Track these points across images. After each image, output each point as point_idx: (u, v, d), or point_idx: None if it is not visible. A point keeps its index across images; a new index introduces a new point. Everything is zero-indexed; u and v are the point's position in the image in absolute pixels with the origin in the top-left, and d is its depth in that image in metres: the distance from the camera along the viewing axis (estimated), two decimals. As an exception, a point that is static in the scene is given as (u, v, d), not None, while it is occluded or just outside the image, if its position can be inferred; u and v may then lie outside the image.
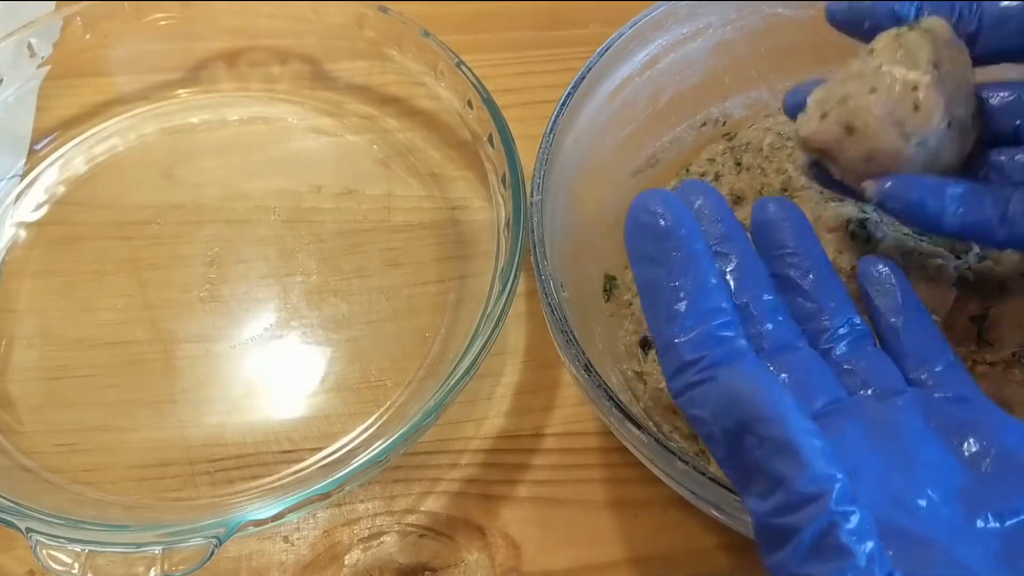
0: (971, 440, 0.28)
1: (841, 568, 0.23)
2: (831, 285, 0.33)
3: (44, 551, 0.33)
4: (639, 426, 0.32)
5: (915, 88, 0.32)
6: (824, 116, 0.33)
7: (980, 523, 0.26)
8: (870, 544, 0.23)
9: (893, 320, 0.32)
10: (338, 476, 0.35)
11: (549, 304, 0.35)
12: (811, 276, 0.32)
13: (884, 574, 0.23)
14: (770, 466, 0.24)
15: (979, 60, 0.34)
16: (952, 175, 0.33)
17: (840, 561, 0.23)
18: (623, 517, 0.40)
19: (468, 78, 0.46)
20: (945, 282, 0.37)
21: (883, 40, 0.34)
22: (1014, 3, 0.33)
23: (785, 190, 0.41)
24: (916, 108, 0.32)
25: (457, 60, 0.47)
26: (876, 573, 0.23)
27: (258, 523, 0.35)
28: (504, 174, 0.43)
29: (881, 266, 0.33)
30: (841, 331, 0.32)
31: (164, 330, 0.45)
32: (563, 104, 0.40)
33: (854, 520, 0.23)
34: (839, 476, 0.24)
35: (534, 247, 0.37)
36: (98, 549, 0.33)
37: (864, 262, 0.34)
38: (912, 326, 0.32)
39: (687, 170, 0.45)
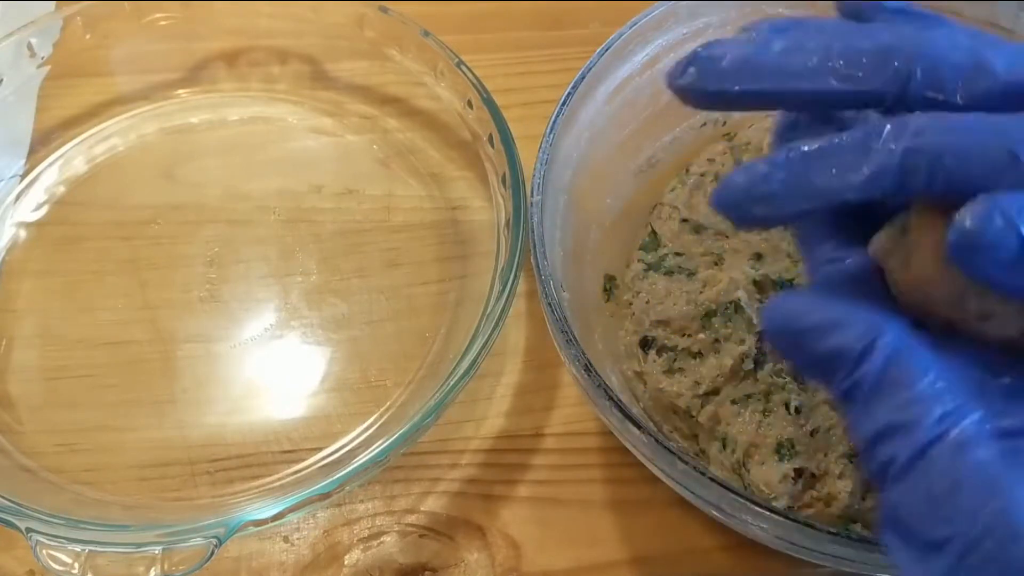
0: None
1: (900, 400, 0.23)
2: None
3: (44, 551, 0.33)
4: (639, 426, 0.32)
5: None
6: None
7: None
8: (929, 369, 0.23)
9: None
10: (338, 476, 0.35)
11: (549, 304, 0.35)
12: None
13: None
14: (825, 348, 0.25)
15: None
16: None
17: (901, 393, 0.23)
18: (623, 517, 0.40)
19: (468, 78, 0.46)
20: None
21: None
22: None
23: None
24: None
25: (457, 60, 0.47)
26: (940, 400, 0.23)
27: (258, 523, 0.35)
28: (504, 174, 0.43)
29: None
30: None
31: (164, 330, 0.45)
32: (563, 104, 0.40)
33: (915, 354, 0.23)
34: (886, 323, 0.24)
35: (534, 247, 0.37)
36: (98, 549, 0.33)
37: None
38: None
39: (687, 170, 0.45)
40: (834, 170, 0.25)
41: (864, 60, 0.25)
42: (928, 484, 0.22)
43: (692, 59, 0.27)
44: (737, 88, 0.26)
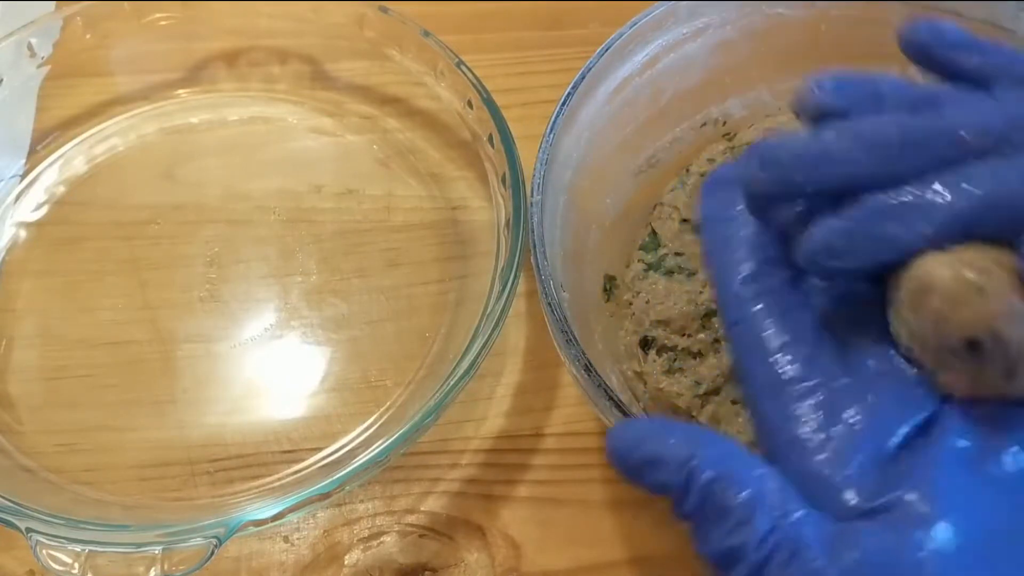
0: None
1: (726, 528, 0.24)
2: None
3: (44, 551, 0.33)
4: (639, 426, 0.32)
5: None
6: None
7: None
8: (744, 491, 0.24)
9: None
10: (338, 476, 0.35)
11: (549, 304, 0.35)
12: None
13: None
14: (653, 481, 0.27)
15: None
16: None
17: (723, 523, 0.24)
18: (623, 517, 0.40)
19: (468, 78, 0.46)
20: None
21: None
22: None
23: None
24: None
25: (457, 60, 0.47)
26: (759, 521, 0.24)
27: (258, 523, 0.35)
28: (504, 174, 0.43)
29: None
30: None
31: (164, 330, 0.45)
32: (563, 104, 0.40)
33: (729, 479, 0.25)
34: (699, 449, 0.25)
35: (534, 247, 0.37)
36: (98, 549, 0.33)
37: None
38: None
39: (687, 170, 0.45)
40: (906, 222, 0.25)
41: (918, 147, 0.26)
42: None
43: (755, 152, 0.28)
44: (808, 180, 0.27)
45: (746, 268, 0.29)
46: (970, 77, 0.29)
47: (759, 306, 0.28)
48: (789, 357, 0.27)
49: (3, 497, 0.36)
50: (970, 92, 0.28)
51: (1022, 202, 0.25)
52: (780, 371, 0.27)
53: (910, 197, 0.26)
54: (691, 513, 0.25)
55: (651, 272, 0.42)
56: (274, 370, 0.44)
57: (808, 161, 0.27)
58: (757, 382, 0.27)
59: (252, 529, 0.35)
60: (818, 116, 0.28)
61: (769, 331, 0.28)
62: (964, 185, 0.25)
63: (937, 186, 0.25)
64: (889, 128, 0.26)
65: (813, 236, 0.26)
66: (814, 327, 0.28)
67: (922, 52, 0.31)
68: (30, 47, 0.50)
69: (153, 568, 0.33)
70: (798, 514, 0.24)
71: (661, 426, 0.28)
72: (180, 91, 0.54)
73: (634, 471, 0.27)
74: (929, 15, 0.32)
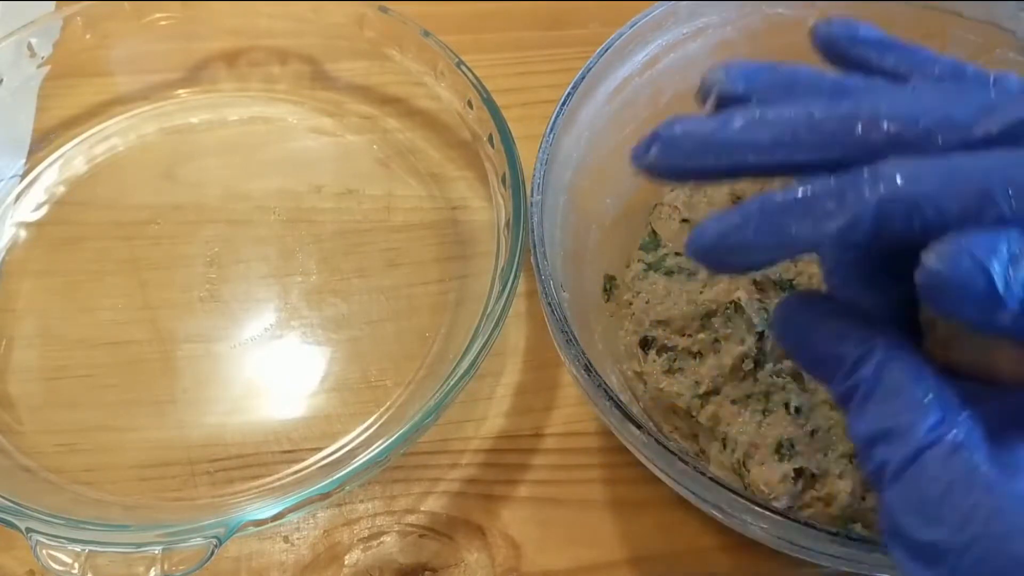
0: None
1: (895, 406, 0.24)
2: None
3: (44, 551, 0.33)
4: (639, 426, 0.32)
5: None
6: None
7: None
8: (923, 380, 0.24)
9: None
10: (338, 476, 0.35)
11: (549, 304, 0.35)
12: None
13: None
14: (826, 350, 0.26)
15: None
16: None
17: (895, 400, 0.24)
18: (623, 517, 0.40)
19: (468, 78, 0.46)
20: None
21: None
22: None
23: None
24: None
25: (457, 60, 0.47)
26: (933, 408, 0.23)
27: (258, 523, 0.35)
28: (504, 174, 0.43)
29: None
30: None
31: (164, 330, 0.45)
32: (563, 104, 0.40)
33: (911, 364, 0.24)
34: (884, 331, 0.25)
35: (534, 247, 0.37)
36: (98, 549, 0.33)
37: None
38: None
39: (687, 170, 0.45)
40: (809, 220, 0.24)
41: (826, 133, 0.25)
42: (922, 488, 0.23)
43: (653, 138, 0.27)
44: (697, 165, 0.26)
45: None
46: (885, 76, 0.28)
47: None
48: None
49: (3, 497, 0.36)
50: (889, 84, 0.28)
51: (935, 204, 0.23)
52: None
53: (813, 193, 0.24)
54: (859, 384, 0.25)
55: (651, 272, 0.42)
56: (274, 370, 0.44)
57: (711, 147, 0.26)
58: None
59: (252, 529, 0.35)
60: (722, 103, 0.28)
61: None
62: (875, 182, 0.24)
63: (845, 181, 0.24)
64: (798, 115, 0.25)
65: (706, 231, 0.26)
66: None
67: (835, 49, 0.30)
68: (30, 47, 0.50)
69: (153, 568, 0.33)
70: (968, 414, 0.24)
71: (838, 303, 0.27)
72: (180, 91, 0.54)
73: (805, 336, 0.26)
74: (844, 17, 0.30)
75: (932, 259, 0.22)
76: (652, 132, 0.27)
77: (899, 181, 0.23)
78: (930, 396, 0.24)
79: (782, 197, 0.25)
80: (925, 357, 0.25)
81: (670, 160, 0.27)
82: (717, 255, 0.26)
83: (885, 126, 0.24)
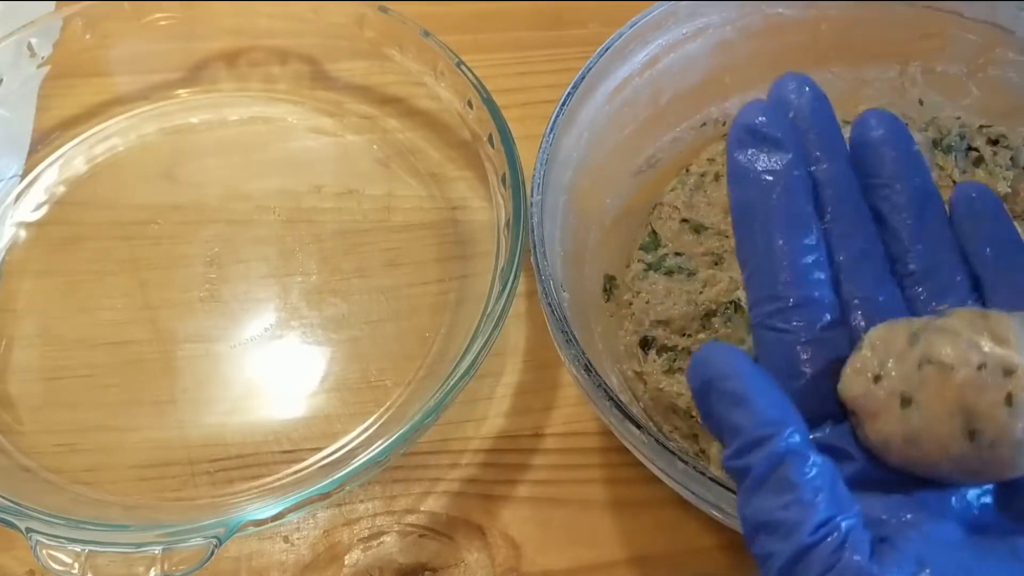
0: None
1: (785, 500, 0.24)
2: (935, 231, 0.31)
3: (44, 551, 0.33)
4: (639, 426, 0.32)
5: (1011, 374, 0.25)
6: (878, 379, 0.27)
7: None
8: (815, 478, 0.24)
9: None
10: (338, 476, 0.35)
11: (549, 304, 0.35)
12: (910, 217, 0.31)
13: (834, 517, 0.24)
14: (728, 417, 0.26)
15: None
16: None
17: (785, 495, 0.24)
18: (623, 517, 0.40)
19: (468, 78, 0.46)
20: None
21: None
22: None
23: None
24: (1008, 403, 0.25)
25: (457, 60, 0.47)
26: (820, 507, 0.24)
27: (258, 523, 0.35)
28: (504, 174, 0.43)
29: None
30: (944, 293, 0.30)
31: (164, 330, 0.45)
32: (563, 104, 0.40)
33: (805, 461, 0.24)
34: (788, 424, 0.25)
35: (534, 247, 0.37)
36: (98, 549, 0.33)
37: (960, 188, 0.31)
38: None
39: (687, 170, 0.45)
40: None
41: None
42: None
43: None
44: None
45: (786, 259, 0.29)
46: None
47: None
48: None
49: (3, 497, 0.36)
50: None
51: None
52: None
53: None
54: (750, 469, 0.25)
55: (651, 272, 0.42)
56: (274, 370, 0.44)
57: None
58: None
59: (252, 529, 0.35)
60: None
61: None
62: None
63: None
64: None
65: None
66: None
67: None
68: (30, 47, 0.50)
69: (153, 568, 0.33)
70: (856, 512, 0.24)
71: (759, 373, 0.26)
72: (180, 91, 0.54)
73: (710, 396, 0.26)
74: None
75: None
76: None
77: None
78: (820, 496, 0.24)
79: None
80: (819, 449, 0.25)
81: None
82: None
83: None
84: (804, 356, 0.29)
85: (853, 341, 0.29)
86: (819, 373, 0.29)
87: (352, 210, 0.49)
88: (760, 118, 0.30)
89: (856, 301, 0.30)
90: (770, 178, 0.30)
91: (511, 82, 0.52)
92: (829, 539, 0.24)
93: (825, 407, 0.28)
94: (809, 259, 0.29)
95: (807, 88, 0.32)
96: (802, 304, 0.29)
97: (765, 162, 0.30)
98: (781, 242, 0.29)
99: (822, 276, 0.29)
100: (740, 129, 0.30)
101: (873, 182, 0.31)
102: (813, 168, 0.31)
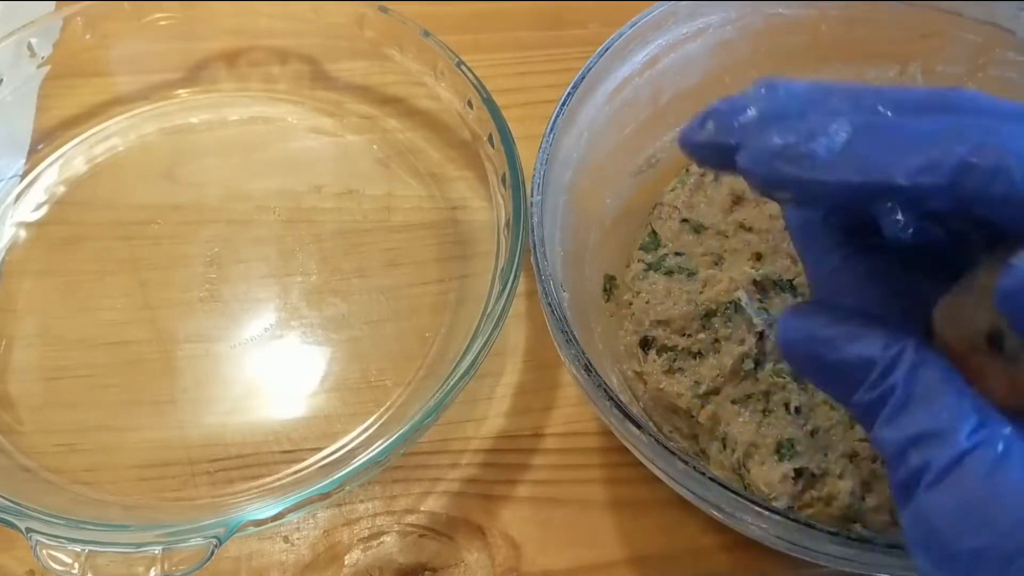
0: None
1: (935, 408, 0.23)
2: None
3: (44, 551, 0.33)
4: (639, 426, 0.32)
5: None
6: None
7: None
8: (958, 383, 0.23)
9: None
10: (338, 476, 0.35)
11: (549, 304, 0.35)
12: None
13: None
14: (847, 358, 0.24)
15: None
16: None
17: (934, 403, 0.23)
18: (623, 517, 0.40)
19: (468, 78, 0.46)
20: None
21: None
22: None
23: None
24: None
25: (457, 60, 0.47)
26: (971, 413, 0.23)
27: (258, 523, 0.35)
28: (504, 174, 0.43)
29: None
30: None
31: (164, 330, 0.45)
32: (563, 104, 0.40)
33: (944, 367, 0.23)
34: (910, 336, 0.24)
35: (534, 247, 0.37)
36: (98, 549, 0.33)
37: None
38: None
39: (687, 170, 0.45)
40: (890, 147, 0.22)
41: (915, 144, 0.23)
42: (963, 493, 0.22)
43: (709, 114, 0.26)
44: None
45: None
46: None
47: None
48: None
49: (3, 497, 0.36)
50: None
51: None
52: None
53: (908, 123, 0.23)
54: (887, 393, 0.24)
55: (651, 272, 0.42)
56: (274, 370, 0.44)
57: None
58: None
59: (252, 529, 0.35)
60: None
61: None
62: (964, 138, 0.22)
63: (947, 122, 0.23)
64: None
65: (773, 135, 0.24)
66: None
67: None
68: (30, 47, 0.50)
69: (153, 568, 0.33)
70: (1006, 422, 0.23)
71: (846, 311, 0.25)
72: (180, 91, 0.54)
73: (820, 349, 0.25)
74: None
75: (1016, 270, 0.21)
76: (708, 108, 0.26)
77: (994, 141, 0.22)
78: (968, 401, 0.23)
79: (868, 119, 0.23)
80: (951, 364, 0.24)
81: (728, 135, 0.25)
82: (774, 163, 0.24)
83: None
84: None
85: None
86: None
87: (352, 210, 0.49)
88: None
89: None
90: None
91: (511, 82, 0.52)
92: (989, 444, 0.22)
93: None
94: None
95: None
96: None
97: None
98: None
99: None
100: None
101: None
102: None
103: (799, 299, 0.39)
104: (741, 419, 0.37)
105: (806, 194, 0.24)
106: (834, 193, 0.24)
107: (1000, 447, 0.22)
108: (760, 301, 0.39)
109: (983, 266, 0.24)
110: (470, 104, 0.47)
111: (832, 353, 0.25)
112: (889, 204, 0.23)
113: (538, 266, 0.36)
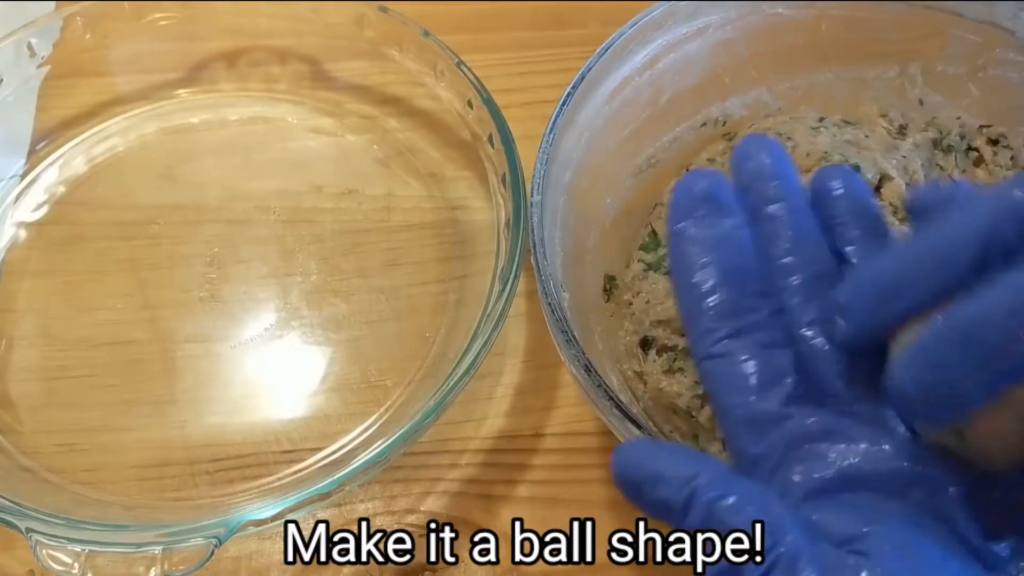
0: None
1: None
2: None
3: (44, 551, 0.33)
4: (639, 426, 0.32)
5: None
6: None
7: None
8: (746, 512, 0.25)
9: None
10: (338, 476, 0.35)
11: (549, 304, 0.35)
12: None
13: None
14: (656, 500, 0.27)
15: None
16: None
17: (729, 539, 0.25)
18: (623, 517, 0.40)
19: (468, 78, 0.46)
20: None
21: None
22: None
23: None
24: None
25: (457, 60, 0.47)
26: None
27: (258, 523, 0.35)
28: (504, 174, 0.43)
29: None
30: None
31: (164, 330, 0.45)
32: (563, 104, 0.40)
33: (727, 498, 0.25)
34: (701, 471, 0.26)
35: (534, 247, 0.37)
36: (98, 549, 0.33)
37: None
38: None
39: (687, 170, 0.45)
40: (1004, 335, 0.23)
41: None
42: None
43: (833, 309, 0.28)
44: (891, 314, 0.26)
45: (719, 298, 0.29)
46: None
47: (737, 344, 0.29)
48: (768, 397, 0.28)
49: (3, 497, 0.36)
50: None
51: None
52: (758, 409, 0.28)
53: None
54: (688, 534, 0.26)
55: (651, 272, 0.42)
56: (274, 370, 0.44)
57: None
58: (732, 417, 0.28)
59: (252, 529, 0.35)
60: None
61: (748, 371, 0.28)
62: None
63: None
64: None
65: (901, 377, 0.25)
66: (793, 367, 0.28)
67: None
68: (30, 47, 0.50)
69: (153, 568, 0.33)
70: (797, 534, 0.24)
71: (664, 446, 0.29)
72: (180, 91, 0.54)
73: (636, 489, 0.27)
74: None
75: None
76: (830, 301, 0.28)
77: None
78: (755, 526, 0.24)
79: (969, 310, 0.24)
80: (748, 480, 0.26)
81: (858, 324, 0.27)
82: (927, 414, 0.25)
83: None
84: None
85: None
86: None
87: (352, 210, 0.49)
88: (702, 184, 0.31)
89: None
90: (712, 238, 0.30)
91: (511, 82, 0.52)
92: (776, 570, 0.24)
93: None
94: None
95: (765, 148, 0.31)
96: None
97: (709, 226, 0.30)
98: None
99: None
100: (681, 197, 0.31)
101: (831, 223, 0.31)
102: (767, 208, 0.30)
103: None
104: (741, 419, 0.37)
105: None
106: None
107: (788, 563, 0.24)
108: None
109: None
110: (470, 104, 0.47)
111: (647, 492, 0.27)
112: None
113: (538, 266, 0.36)
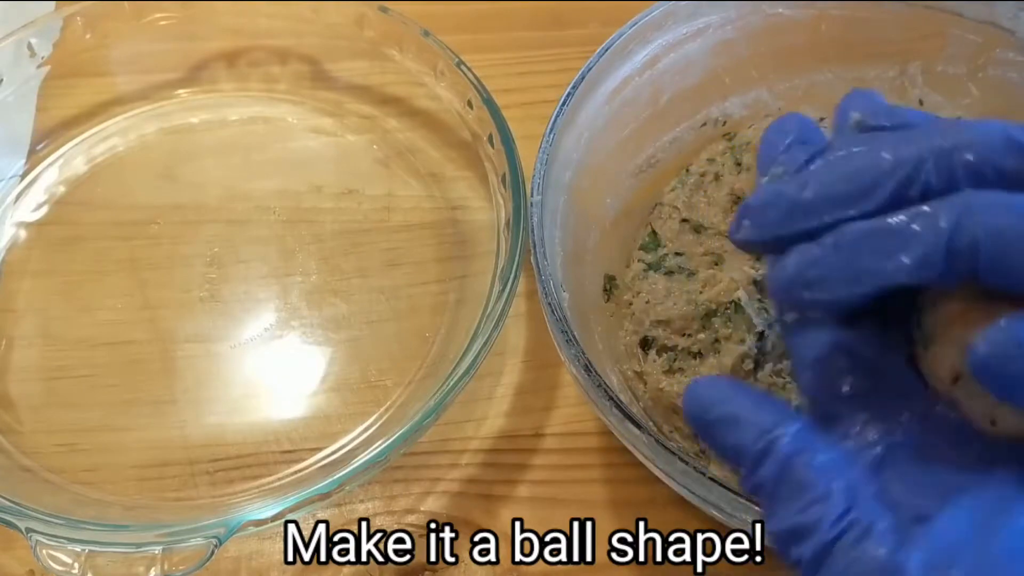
0: None
1: (801, 502, 0.24)
2: None
3: (44, 551, 0.33)
4: (639, 426, 0.32)
5: None
6: None
7: None
8: (826, 471, 0.24)
9: None
10: (338, 476, 0.35)
11: (549, 304, 0.35)
12: None
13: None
14: (729, 442, 0.26)
15: None
16: None
17: (801, 496, 0.24)
18: (623, 517, 0.40)
19: (468, 78, 0.46)
20: None
21: None
22: None
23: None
24: None
25: (457, 60, 0.47)
26: (837, 501, 0.24)
27: (258, 523, 0.35)
28: (504, 174, 0.43)
29: None
30: None
31: (164, 330, 0.45)
32: (563, 104, 0.40)
33: (812, 456, 0.25)
34: (784, 424, 0.25)
35: (534, 247, 0.37)
36: (98, 549, 0.33)
37: None
38: None
39: (687, 170, 0.45)
40: (885, 252, 0.24)
41: (899, 176, 0.25)
42: None
43: (744, 212, 0.27)
44: (792, 230, 0.26)
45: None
46: None
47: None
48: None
49: (3, 497, 0.36)
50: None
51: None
52: None
53: (890, 224, 0.24)
54: (763, 484, 0.25)
55: (651, 272, 0.42)
56: (274, 370, 0.44)
57: (797, 212, 0.26)
58: None
59: (252, 529, 0.35)
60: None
61: None
62: (950, 212, 0.23)
63: (923, 213, 0.24)
64: (869, 161, 0.25)
65: (787, 266, 0.26)
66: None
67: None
68: (30, 47, 0.50)
69: (153, 568, 0.33)
70: (873, 499, 0.24)
71: (743, 388, 0.27)
72: (180, 91, 0.54)
73: (707, 429, 0.26)
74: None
75: (981, 344, 0.22)
76: (742, 206, 0.27)
77: (972, 213, 0.23)
78: (833, 486, 0.24)
79: (859, 228, 0.25)
80: (827, 439, 0.25)
81: (763, 232, 0.27)
82: (794, 291, 0.26)
83: (959, 160, 0.24)
84: None
85: None
86: None
87: (352, 210, 0.49)
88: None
89: None
90: None
91: (511, 82, 0.52)
92: (850, 532, 0.23)
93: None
94: None
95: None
96: None
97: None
98: None
99: None
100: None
101: None
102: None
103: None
104: (741, 419, 0.37)
105: (824, 310, 0.27)
106: (846, 305, 0.26)
107: (862, 528, 0.23)
108: (760, 301, 0.39)
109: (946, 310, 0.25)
110: (470, 104, 0.47)
111: (720, 434, 0.26)
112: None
113: (538, 266, 0.36)
